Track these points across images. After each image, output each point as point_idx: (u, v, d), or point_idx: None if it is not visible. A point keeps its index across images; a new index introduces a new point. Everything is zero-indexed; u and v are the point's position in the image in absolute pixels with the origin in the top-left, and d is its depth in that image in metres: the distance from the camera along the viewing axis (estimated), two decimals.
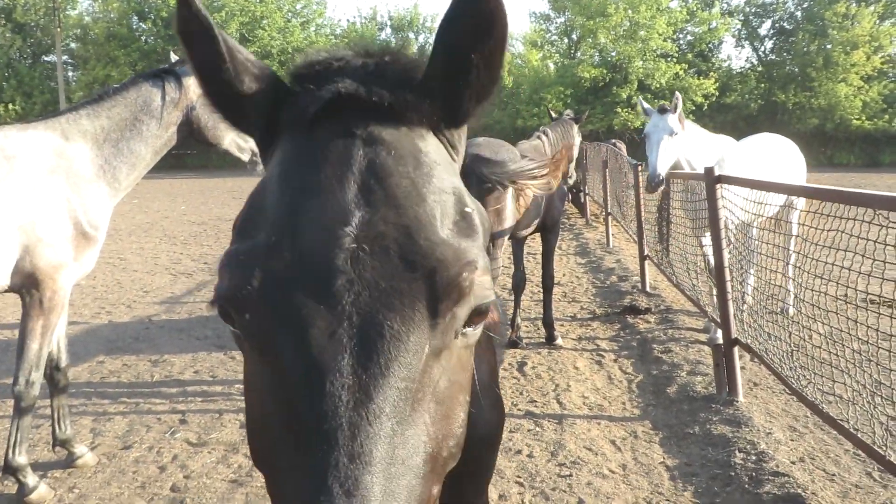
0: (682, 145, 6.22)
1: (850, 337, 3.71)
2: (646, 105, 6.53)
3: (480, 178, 4.95)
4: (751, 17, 49.67)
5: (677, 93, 6.34)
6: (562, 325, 7.31)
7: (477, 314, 1.00)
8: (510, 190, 5.15)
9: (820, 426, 4.61)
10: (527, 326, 7.26)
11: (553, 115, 7.34)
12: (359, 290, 0.91)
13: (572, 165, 7.42)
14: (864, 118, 42.69)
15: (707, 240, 5.92)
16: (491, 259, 4.79)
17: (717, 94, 43.40)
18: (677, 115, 6.16)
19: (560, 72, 45.01)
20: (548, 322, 6.60)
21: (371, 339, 0.90)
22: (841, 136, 44.36)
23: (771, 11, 49.15)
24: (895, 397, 3.27)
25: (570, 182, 7.72)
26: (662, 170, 6.16)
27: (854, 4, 43.73)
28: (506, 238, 5.33)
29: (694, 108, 42.32)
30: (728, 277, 4.85)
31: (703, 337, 6.58)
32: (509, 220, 5.18)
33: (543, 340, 6.68)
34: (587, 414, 5.04)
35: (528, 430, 4.74)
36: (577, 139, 7.20)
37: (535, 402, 5.25)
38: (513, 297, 6.69)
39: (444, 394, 0.99)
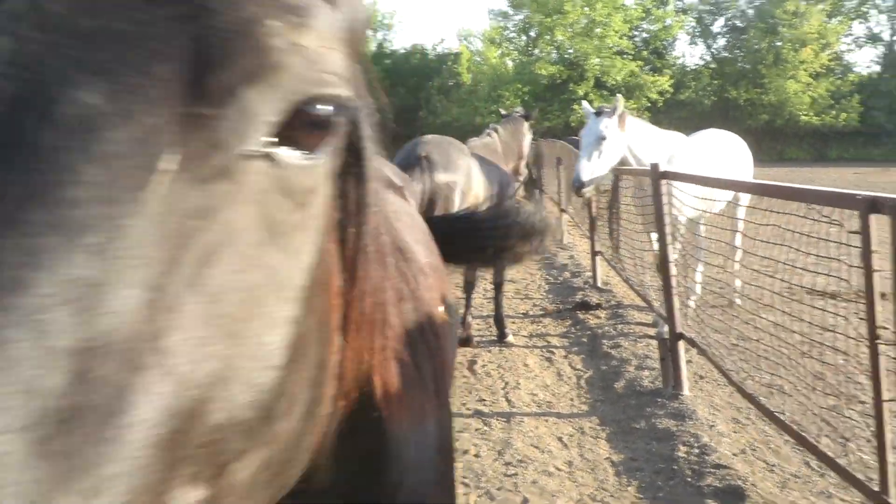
0: (621, 146, 6.21)
1: (787, 330, 3.77)
2: (587, 107, 6.50)
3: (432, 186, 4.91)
4: (704, 15, 50.61)
5: (619, 95, 6.37)
6: (513, 322, 7.31)
7: (314, 124, 0.57)
8: (459, 188, 5.12)
9: (762, 417, 4.67)
10: (479, 324, 7.24)
11: (503, 112, 7.32)
12: (27, 32, 0.47)
13: (523, 163, 7.42)
14: (812, 114, 43.85)
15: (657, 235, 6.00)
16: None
17: (672, 90, 44.15)
18: (615, 119, 6.15)
19: (518, 69, 45.27)
20: (499, 319, 6.59)
21: (33, 109, 0.46)
22: (790, 132, 45.53)
23: (723, 9, 50.14)
24: (828, 388, 3.33)
25: (522, 179, 7.69)
26: (586, 176, 6.16)
27: (803, 2, 44.87)
28: None
29: (649, 104, 43.00)
30: (673, 272, 4.89)
31: (651, 331, 6.64)
32: None
33: (495, 338, 6.68)
34: (536, 411, 5.04)
35: (476, 430, 4.72)
36: (528, 136, 7.21)
37: (485, 400, 5.23)
38: (464, 296, 6.66)
39: (223, 279, 0.52)
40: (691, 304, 6.07)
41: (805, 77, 43.80)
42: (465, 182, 5.22)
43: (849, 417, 3.06)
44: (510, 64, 47.87)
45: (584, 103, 6.53)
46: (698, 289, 6.23)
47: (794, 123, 44.34)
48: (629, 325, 6.94)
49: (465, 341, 6.49)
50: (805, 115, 43.53)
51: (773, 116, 44.65)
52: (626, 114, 6.20)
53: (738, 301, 7.26)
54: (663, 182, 4.83)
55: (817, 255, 3.29)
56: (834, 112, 43.63)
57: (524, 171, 7.70)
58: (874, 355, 2.33)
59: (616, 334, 6.65)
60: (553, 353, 6.35)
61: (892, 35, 49.30)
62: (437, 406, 1.28)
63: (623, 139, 6.21)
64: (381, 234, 0.88)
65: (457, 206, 5.10)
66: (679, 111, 45.64)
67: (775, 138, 46.17)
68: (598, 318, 7.32)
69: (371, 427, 0.79)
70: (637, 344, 6.33)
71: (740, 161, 7.19)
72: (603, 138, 6.06)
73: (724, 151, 7.02)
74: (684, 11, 49.41)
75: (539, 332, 7.02)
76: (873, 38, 49.95)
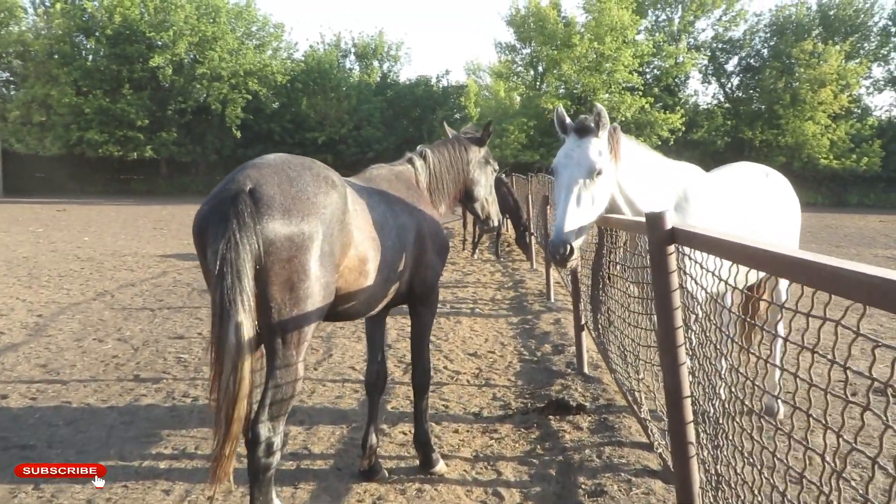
0: (614, 183, 3.91)
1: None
2: (564, 117, 4.03)
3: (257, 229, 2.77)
4: (717, 53, 49.01)
5: (599, 105, 3.93)
6: (457, 431, 5.09)
7: None
8: (317, 244, 2.94)
9: None
10: (404, 434, 5.01)
11: (449, 132, 5.08)
12: None
13: (484, 205, 5.03)
14: (831, 157, 41.87)
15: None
16: (282, 366, 2.85)
17: (684, 129, 42.32)
18: (605, 140, 3.83)
19: (524, 103, 43.63)
20: (421, 440, 4.34)
21: None
22: (808, 175, 43.47)
23: (738, 48, 48.56)
24: None
25: (493, 224, 5.25)
26: (572, 233, 3.65)
27: (820, 43, 43.15)
28: (311, 328, 3.07)
29: (660, 142, 41.05)
30: (689, 417, 2.65)
31: (654, 461, 4.39)
32: (315, 297, 2.94)
33: (418, 465, 4.44)
34: None
35: None
36: (486, 167, 4.88)
37: None
38: (367, 404, 4.42)
39: None
40: (710, 409, 3.81)
41: (824, 119, 41.86)
42: (334, 233, 3.02)
43: None
44: (517, 98, 46.28)
45: (559, 107, 4.14)
46: (722, 390, 3.99)
47: (812, 167, 42.30)
48: (622, 447, 4.67)
49: (369, 474, 4.25)
50: (824, 158, 41.52)
51: (791, 159, 42.64)
52: (618, 132, 3.98)
53: (780, 408, 5.11)
54: (671, 248, 2.64)
55: None
56: (854, 156, 41.59)
57: (494, 217, 5.22)
58: None
59: (600, 466, 4.38)
60: (501, 497, 4.09)
61: None
62: None
63: (621, 171, 4.00)
64: None
65: (313, 275, 2.91)
66: (691, 151, 43.71)
67: (793, 182, 43.84)
68: (579, 429, 5.06)
69: None
70: (631, 489, 4.07)
71: (784, 210, 5.02)
72: (598, 171, 3.72)
73: (762, 196, 4.83)
74: (697, 49, 47.74)
75: (488, 451, 4.76)
76: (894, 82, 48.09)
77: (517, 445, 4.86)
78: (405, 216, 3.81)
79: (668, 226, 2.59)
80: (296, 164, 3.06)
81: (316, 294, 2.95)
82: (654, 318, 3.61)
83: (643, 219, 2.94)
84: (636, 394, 4.21)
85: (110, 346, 7.34)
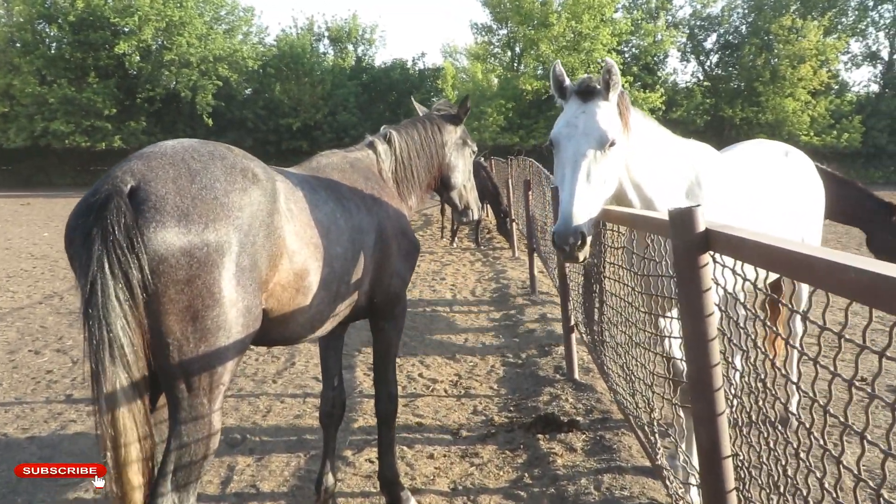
0: (622, 162, 3.11)
1: None
2: (563, 77, 3.20)
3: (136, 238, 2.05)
4: (696, 31, 48.37)
5: (609, 60, 3.14)
6: (431, 457, 4.41)
7: None
8: (230, 259, 2.22)
9: None
10: (371, 460, 4.33)
11: (418, 108, 4.34)
12: None
13: (462, 193, 4.31)
14: (811, 134, 41.57)
15: (673, 323, 3.12)
16: (188, 419, 2.22)
17: (664, 108, 41.80)
18: (615, 104, 3.05)
19: (502, 84, 42.82)
20: (388, 476, 3.65)
21: None
22: None
23: (716, 25, 47.97)
24: None
25: (473, 216, 4.51)
26: (583, 217, 2.81)
27: (799, 18, 42.71)
28: (227, 368, 2.34)
29: None
30: (731, 483, 1.98)
31: (661, 492, 3.75)
32: (231, 327, 2.22)
33: None
34: None
35: None
36: (464, 149, 4.13)
37: None
38: (323, 437, 3.72)
39: None
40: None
41: (804, 95, 41.49)
42: (256, 242, 2.30)
43: None
44: (495, 80, 45.42)
45: (557, 64, 3.27)
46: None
47: (792, 144, 41.76)
48: (623, 474, 4.03)
49: None
50: (805, 135, 41.19)
51: (771, 136, 42.16)
52: (627, 98, 3.18)
53: (794, 414, 4.47)
54: (705, 258, 1.95)
55: None
56: (835, 132, 41.33)
57: (473, 206, 4.45)
58: None
59: (599, 501, 3.73)
60: None
61: (891, 54, 47.18)
62: None
63: (632, 146, 3.19)
64: None
65: (226, 299, 2.20)
66: (671, 130, 42.88)
67: None
68: (573, 450, 4.41)
69: None
70: None
71: (807, 194, 4.35)
72: (609, 142, 2.93)
73: (783, 179, 4.15)
74: (675, 26, 47.08)
75: (468, 482, 4.09)
76: (872, 57, 47.82)
77: (501, 473, 4.19)
78: (362, 214, 3.09)
79: (702, 227, 1.90)
80: (203, 152, 2.33)
81: (231, 323, 2.24)
82: (672, 342, 2.94)
83: (654, 211, 2.26)
84: (646, 429, 3.50)
85: (46, 359, 6.57)
